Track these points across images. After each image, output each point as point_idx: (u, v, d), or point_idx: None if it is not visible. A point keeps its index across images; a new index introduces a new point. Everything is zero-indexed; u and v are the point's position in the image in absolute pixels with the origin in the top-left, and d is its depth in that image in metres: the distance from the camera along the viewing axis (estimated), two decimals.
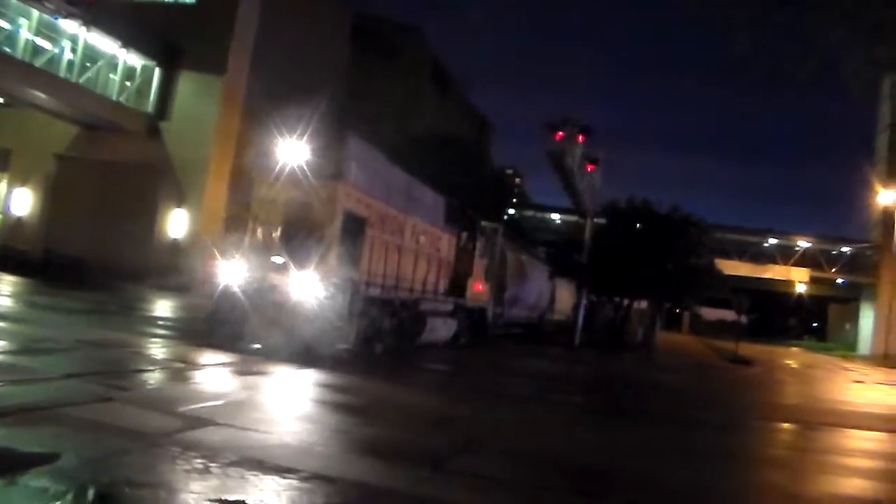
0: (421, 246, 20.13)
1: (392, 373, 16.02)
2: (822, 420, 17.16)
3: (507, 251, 29.31)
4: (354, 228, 15.93)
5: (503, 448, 9.46)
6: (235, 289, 15.29)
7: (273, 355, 14.49)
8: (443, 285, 21.87)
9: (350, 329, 15.65)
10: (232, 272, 15.47)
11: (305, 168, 15.34)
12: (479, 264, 24.81)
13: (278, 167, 15.56)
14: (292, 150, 15.54)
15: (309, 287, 14.80)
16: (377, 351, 17.31)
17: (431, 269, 20.94)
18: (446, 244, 22.04)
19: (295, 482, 6.42)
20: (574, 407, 15.13)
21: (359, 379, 13.95)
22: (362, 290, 16.29)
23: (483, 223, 25.78)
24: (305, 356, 14.56)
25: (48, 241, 34.04)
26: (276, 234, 15.71)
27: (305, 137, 15.46)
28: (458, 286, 23.00)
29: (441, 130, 44.71)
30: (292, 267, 15.00)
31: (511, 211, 58.38)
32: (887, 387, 31.14)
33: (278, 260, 15.37)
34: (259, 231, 15.96)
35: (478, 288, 24.86)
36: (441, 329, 21.91)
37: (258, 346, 15.23)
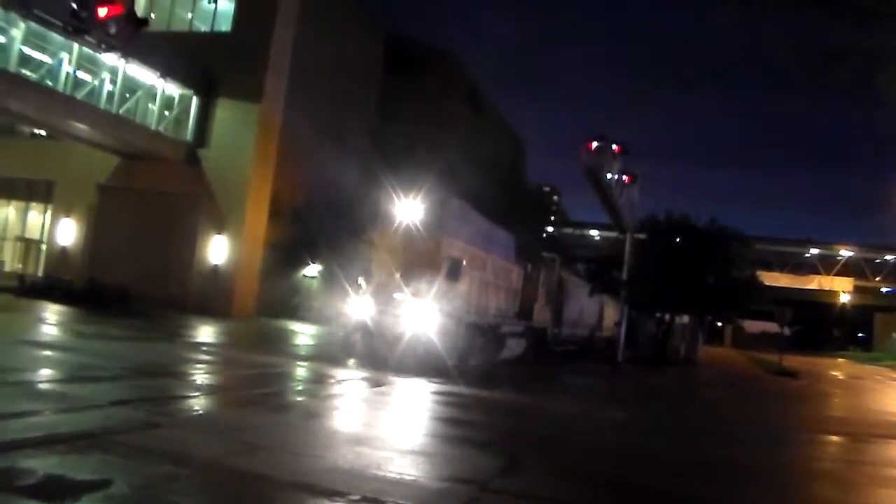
0: (499, 278, 23.99)
1: (474, 384, 17.48)
2: (871, 432, 16.91)
3: (563, 277, 31.83)
4: (455, 269, 19.17)
5: (550, 466, 9.42)
6: (365, 320, 19.37)
7: (394, 371, 17.90)
8: (514, 310, 25.43)
9: (454, 349, 19.05)
10: (361, 307, 19.55)
11: (418, 224, 19.53)
12: (542, 291, 28.13)
13: (396, 223, 19.72)
14: (407, 210, 19.69)
15: (423, 317, 18.65)
16: (470, 365, 20.02)
17: (507, 297, 24.79)
18: (516, 275, 25.74)
19: None
20: (618, 423, 15.02)
21: (447, 391, 15.90)
22: (463, 317, 19.89)
23: (544, 254, 29.92)
24: (420, 371, 17.97)
25: (91, 270, 34.42)
26: (396, 275, 19.43)
27: (417, 199, 19.66)
28: (525, 310, 26.35)
29: (477, 150, 44.71)
30: (410, 301, 18.91)
31: (550, 228, 58.28)
32: None
33: (399, 296, 19.18)
34: (382, 274, 19.94)
35: (541, 311, 27.97)
36: (515, 347, 25.01)
37: (369, 362, 18.84)
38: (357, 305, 19.74)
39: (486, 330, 22.18)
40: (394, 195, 19.86)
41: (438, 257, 19.31)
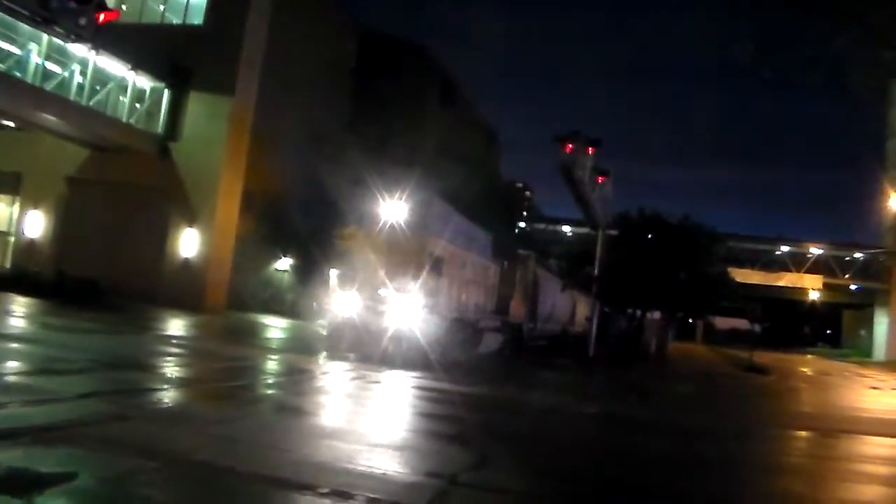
0: (477, 275, 25.11)
1: (453, 378, 17.66)
2: (839, 427, 17.08)
3: (537, 274, 32.24)
4: (437, 267, 20.19)
5: (521, 460, 9.44)
6: (350, 315, 19.94)
7: (378, 364, 18.60)
8: (492, 306, 26.38)
9: (436, 344, 19.64)
10: (346, 302, 20.10)
11: (402, 223, 20.07)
12: (518, 287, 28.78)
13: (380, 222, 20.22)
14: (391, 209, 20.15)
15: (407, 313, 19.31)
16: (451, 359, 20.44)
17: (485, 293, 25.88)
18: (493, 272, 26.88)
19: (313, 498, 6.41)
20: (589, 418, 15.07)
21: (426, 385, 16.04)
22: (445, 313, 20.76)
23: (519, 251, 30.79)
24: (403, 365, 18.64)
25: (60, 263, 34.06)
26: (381, 272, 19.93)
27: (402, 199, 20.10)
28: (502, 306, 27.24)
29: (450, 146, 44.62)
30: (394, 297, 19.53)
31: (522, 224, 58.38)
32: None
33: (383, 292, 19.79)
34: (367, 270, 20.30)
35: (517, 307, 28.68)
36: (492, 342, 25.73)
37: (353, 356, 19.64)
38: (343, 301, 20.26)
39: (467, 325, 22.90)
40: (370, 192, 20.34)
41: (422, 256, 19.97)
